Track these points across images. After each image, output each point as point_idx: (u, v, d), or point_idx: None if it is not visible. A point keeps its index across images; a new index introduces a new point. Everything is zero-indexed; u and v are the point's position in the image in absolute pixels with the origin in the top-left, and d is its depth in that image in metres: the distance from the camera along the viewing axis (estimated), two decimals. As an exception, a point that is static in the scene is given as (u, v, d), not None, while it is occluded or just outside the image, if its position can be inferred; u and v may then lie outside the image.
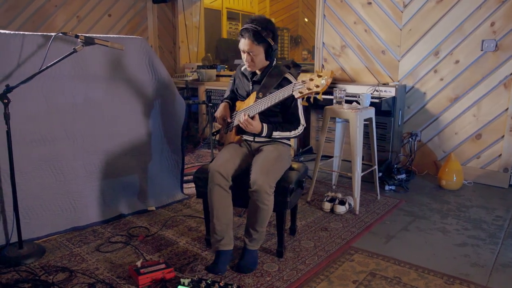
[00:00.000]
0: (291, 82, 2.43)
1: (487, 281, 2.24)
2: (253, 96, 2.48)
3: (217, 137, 2.80)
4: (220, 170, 2.30)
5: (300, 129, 2.50)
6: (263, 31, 2.34)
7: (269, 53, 2.43)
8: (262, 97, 2.40)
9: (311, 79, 2.11)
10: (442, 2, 3.94)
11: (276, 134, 2.46)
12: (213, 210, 2.34)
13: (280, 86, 2.42)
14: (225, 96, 2.80)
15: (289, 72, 2.50)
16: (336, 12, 4.66)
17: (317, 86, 2.08)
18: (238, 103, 2.65)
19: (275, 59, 2.55)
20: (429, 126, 4.22)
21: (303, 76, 2.19)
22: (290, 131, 2.48)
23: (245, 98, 2.58)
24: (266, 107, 2.33)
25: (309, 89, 2.10)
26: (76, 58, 2.75)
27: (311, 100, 2.19)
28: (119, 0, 5.52)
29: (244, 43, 2.40)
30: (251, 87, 2.56)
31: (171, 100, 3.35)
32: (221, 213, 2.32)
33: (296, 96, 2.15)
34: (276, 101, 2.29)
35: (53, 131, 2.74)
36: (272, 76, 2.47)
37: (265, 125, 2.42)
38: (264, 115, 2.47)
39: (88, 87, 2.89)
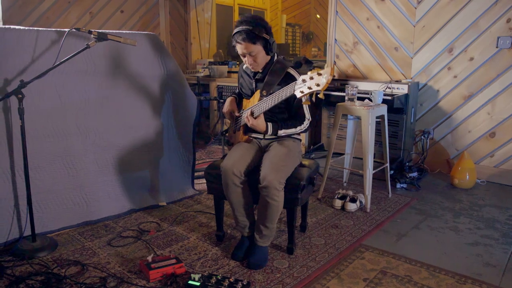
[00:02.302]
0: (294, 77, 2.42)
1: (499, 281, 2.22)
2: (257, 94, 2.47)
3: (227, 137, 2.80)
4: (233, 169, 2.31)
5: (306, 123, 2.48)
6: (255, 29, 2.30)
7: (268, 48, 2.38)
8: (266, 95, 2.39)
9: (311, 78, 2.07)
10: (457, -2, 3.89)
11: (281, 132, 2.45)
12: (233, 205, 2.41)
13: (283, 82, 2.41)
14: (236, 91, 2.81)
15: (292, 67, 2.47)
16: (349, 8, 4.63)
17: (318, 85, 2.04)
18: (244, 101, 2.65)
19: (276, 54, 2.50)
20: (442, 124, 4.17)
21: (303, 76, 2.15)
22: (296, 127, 2.47)
23: (250, 97, 2.58)
24: (269, 106, 2.32)
25: (309, 88, 2.07)
26: (89, 53, 2.77)
27: (313, 98, 2.15)
28: (131, -4, 5.55)
29: (241, 47, 2.36)
30: (254, 85, 2.55)
31: (182, 96, 3.36)
32: (240, 206, 2.40)
33: (297, 96, 2.12)
34: (279, 100, 2.27)
35: (66, 126, 2.77)
36: (274, 72, 2.44)
37: (269, 124, 2.41)
38: (271, 112, 2.47)
39: (100, 83, 2.91)
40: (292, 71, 2.45)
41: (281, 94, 2.26)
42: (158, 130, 3.25)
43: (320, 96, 2.09)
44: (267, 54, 2.41)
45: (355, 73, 4.71)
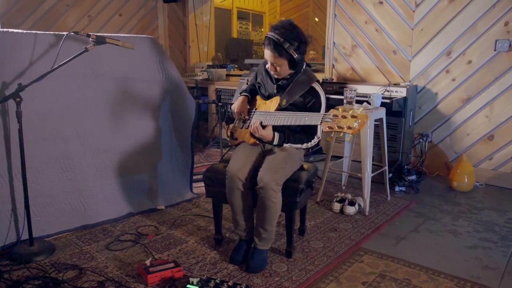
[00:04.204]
0: (318, 93, 2.40)
1: (498, 284, 2.21)
2: (276, 100, 2.42)
3: (230, 127, 2.70)
4: (239, 174, 2.30)
5: (314, 141, 2.43)
6: (285, 42, 2.23)
7: (293, 64, 2.33)
8: (285, 104, 2.36)
9: (344, 116, 2.00)
10: (455, 1, 3.90)
11: (287, 145, 2.42)
12: (234, 209, 2.40)
13: (306, 95, 2.38)
14: (244, 88, 2.73)
15: (317, 81, 2.43)
16: (347, 12, 4.64)
17: (349, 128, 1.98)
18: (258, 100, 2.58)
19: (304, 65, 2.42)
20: (440, 127, 4.18)
21: (334, 111, 2.07)
22: (303, 143, 2.43)
23: (267, 98, 2.52)
24: (284, 123, 2.29)
25: (340, 127, 2.01)
26: (87, 57, 2.75)
27: (340, 135, 2.11)
28: (130, 0, 5.55)
29: (266, 54, 2.33)
30: (275, 90, 2.48)
31: (181, 99, 3.36)
32: (242, 210, 2.39)
33: (324, 130, 2.06)
34: (299, 124, 2.24)
35: (64, 130, 2.76)
36: (299, 83, 2.39)
37: (276, 135, 2.38)
38: None
39: (99, 86, 2.91)
40: (317, 87, 2.41)
41: (304, 119, 2.20)
42: (157, 134, 3.25)
43: (348, 139, 2.05)
44: (290, 69, 2.37)
45: (354, 76, 4.72)
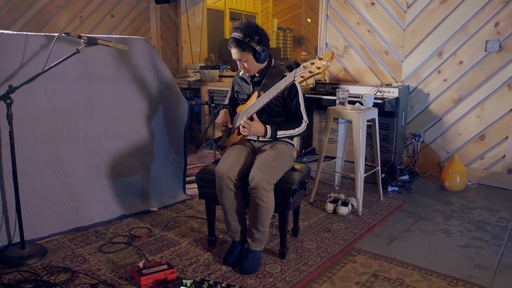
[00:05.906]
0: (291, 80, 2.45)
1: (490, 283, 2.23)
2: (254, 96, 2.49)
3: (220, 142, 2.80)
4: (229, 173, 2.31)
5: (304, 125, 2.50)
6: (245, 37, 2.37)
7: (257, 57, 2.43)
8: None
9: (312, 63, 2.12)
10: (446, 2, 3.93)
11: (280, 133, 2.46)
12: (225, 209, 2.40)
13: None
14: (225, 103, 2.83)
15: (289, 71, 2.48)
16: (339, 13, 4.65)
17: (318, 68, 2.09)
18: (239, 107, 2.67)
19: (273, 60, 2.57)
20: (432, 127, 4.20)
21: (303, 63, 2.21)
22: (294, 128, 2.49)
23: (246, 101, 2.59)
24: (268, 100, 2.35)
25: (310, 72, 2.11)
26: (79, 58, 2.75)
27: (313, 83, 2.21)
28: (122, 1, 5.53)
29: (233, 53, 2.46)
30: (251, 90, 2.58)
31: (174, 100, 3.35)
32: (233, 211, 2.40)
33: (297, 81, 2.18)
34: (278, 91, 2.30)
35: (56, 132, 2.75)
36: (272, 75, 2.49)
37: (268, 127, 2.42)
38: (268, 116, 2.49)
39: (91, 88, 2.89)
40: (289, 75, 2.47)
41: (281, 85, 2.29)
42: (149, 135, 3.24)
43: (321, 77, 2.13)
44: (257, 62, 2.46)
45: (346, 77, 4.73)
